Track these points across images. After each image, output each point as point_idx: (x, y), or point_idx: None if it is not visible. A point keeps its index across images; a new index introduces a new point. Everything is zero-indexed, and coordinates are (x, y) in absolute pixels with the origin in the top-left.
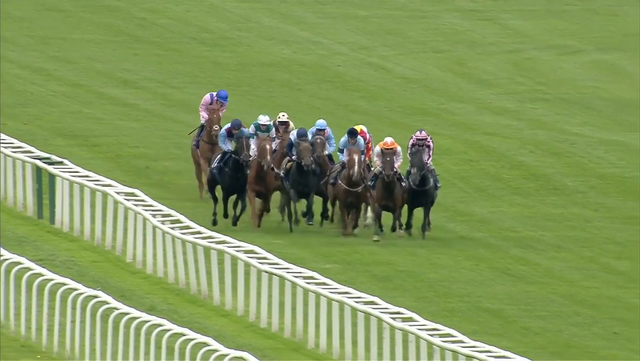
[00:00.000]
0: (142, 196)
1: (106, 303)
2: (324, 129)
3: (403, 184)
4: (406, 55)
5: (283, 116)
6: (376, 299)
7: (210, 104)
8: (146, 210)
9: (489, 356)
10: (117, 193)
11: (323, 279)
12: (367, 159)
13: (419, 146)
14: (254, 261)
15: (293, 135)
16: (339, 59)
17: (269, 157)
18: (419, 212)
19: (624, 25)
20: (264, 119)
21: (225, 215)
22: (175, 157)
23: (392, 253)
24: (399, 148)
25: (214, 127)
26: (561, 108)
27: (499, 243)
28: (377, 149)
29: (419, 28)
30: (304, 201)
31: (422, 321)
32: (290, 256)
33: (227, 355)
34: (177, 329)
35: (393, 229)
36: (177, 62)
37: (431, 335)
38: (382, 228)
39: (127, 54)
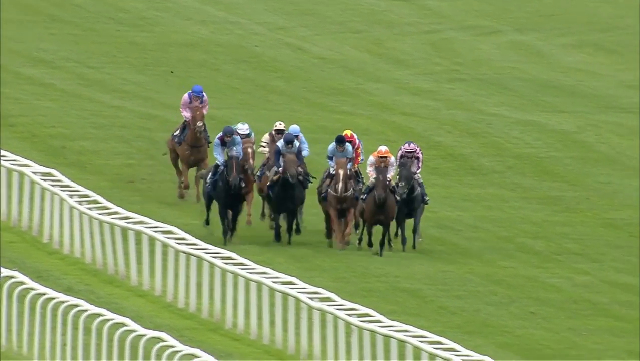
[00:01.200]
0: (59, 176)
1: (23, 283)
2: (298, 135)
3: (397, 198)
4: (324, 35)
5: (280, 124)
6: (294, 279)
7: (190, 102)
8: (63, 190)
9: (406, 335)
10: (34, 173)
11: (241, 259)
12: (355, 166)
13: (407, 159)
14: (171, 242)
15: (281, 143)
16: (257, 39)
17: (251, 160)
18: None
19: (540, 6)
20: (243, 128)
21: (225, 231)
22: (92, 137)
23: (310, 234)
24: (392, 159)
25: (197, 123)
26: (478, 88)
27: None
28: (371, 159)
29: (337, 8)
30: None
31: (340, 301)
32: (208, 236)
33: (144, 336)
34: (94, 310)
35: (382, 243)
36: (94, 41)
37: (349, 315)
38: (371, 242)
39: (43, 34)
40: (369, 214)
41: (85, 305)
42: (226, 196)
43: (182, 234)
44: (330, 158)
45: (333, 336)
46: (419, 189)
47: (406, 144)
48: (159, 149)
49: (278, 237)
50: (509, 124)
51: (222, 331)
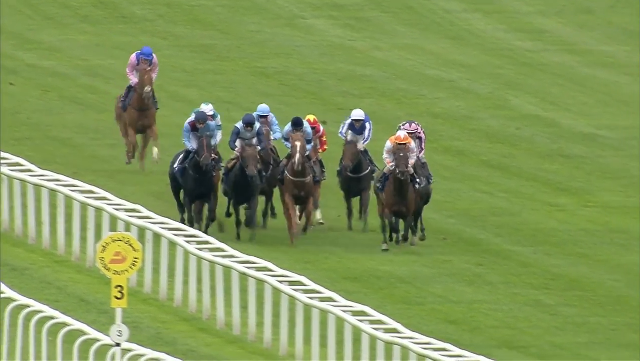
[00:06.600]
0: None
1: None
2: (267, 115)
3: (417, 186)
4: None
5: (207, 106)
6: None
7: (138, 64)
8: None
9: (57, 184)
10: None
11: None
12: (320, 151)
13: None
14: None
15: (240, 124)
16: None
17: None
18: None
19: None
20: (206, 108)
21: (191, 223)
22: None
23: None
24: (412, 144)
25: (145, 88)
26: None
27: (68, 71)
28: (388, 144)
29: None
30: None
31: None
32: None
33: None
34: None
35: (405, 238)
36: None
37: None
38: (392, 236)
39: None
40: (388, 204)
41: None
42: (195, 184)
43: None
44: (287, 139)
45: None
46: (422, 177)
47: (407, 124)
48: None
49: (238, 233)
50: None
51: None
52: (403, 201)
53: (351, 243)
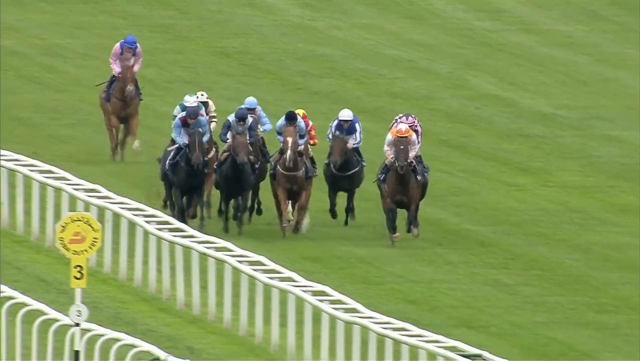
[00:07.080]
0: None
1: None
2: (254, 108)
3: (419, 177)
4: None
5: (202, 95)
6: None
7: (121, 54)
8: None
9: (16, 164)
10: None
11: None
12: (311, 143)
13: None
14: None
15: (232, 117)
16: None
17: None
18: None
19: None
20: (190, 100)
21: (182, 218)
22: None
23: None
24: (414, 136)
25: (127, 87)
26: None
27: (26, 50)
28: (389, 137)
29: None
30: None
31: None
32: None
33: None
34: None
35: (408, 230)
36: None
37: None
38: (395, 227)
39: None
40: (389, 195)
41: None
42: (187, 178)
43: None
44: (280, 134)
45: None
46: (417, 171)
47: (404, 117)
48: None
49: (227, 226)
50: None
51: None
52: (404, 191)
53: (314, 224)
